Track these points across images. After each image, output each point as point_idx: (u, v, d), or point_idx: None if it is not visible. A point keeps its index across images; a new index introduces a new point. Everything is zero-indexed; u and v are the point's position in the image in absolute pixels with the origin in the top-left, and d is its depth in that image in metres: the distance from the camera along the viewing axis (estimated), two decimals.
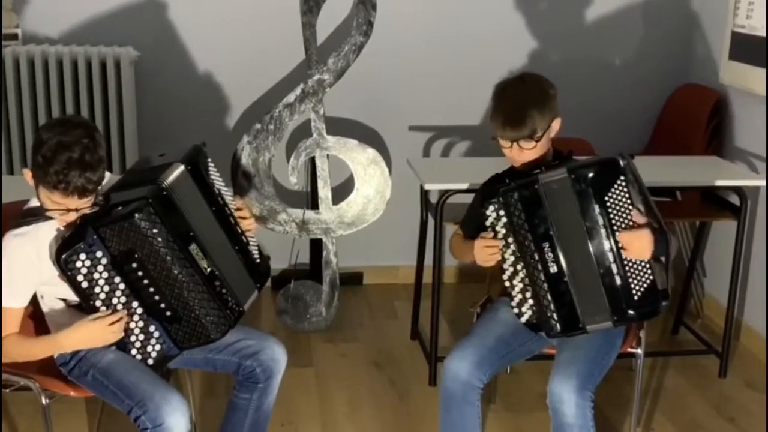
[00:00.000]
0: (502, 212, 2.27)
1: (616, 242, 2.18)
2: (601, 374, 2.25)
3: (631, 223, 2.18)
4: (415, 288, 3.62)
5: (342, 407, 3.08)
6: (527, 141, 2.30)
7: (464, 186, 2.96)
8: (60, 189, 2.00)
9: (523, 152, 2.32)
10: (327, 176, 3.61)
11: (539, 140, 2.30)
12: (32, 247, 2.11)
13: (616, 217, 2.18)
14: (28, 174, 2.08)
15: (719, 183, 3.18)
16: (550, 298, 2.25)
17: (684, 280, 3.74)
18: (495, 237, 2.30)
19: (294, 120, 3.56)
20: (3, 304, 2.10)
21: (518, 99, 2.32)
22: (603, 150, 3.53)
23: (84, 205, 2.05)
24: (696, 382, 3.30)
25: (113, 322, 2.09)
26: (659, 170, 3.21)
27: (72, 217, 2.07)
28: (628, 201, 2.17)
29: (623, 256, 2.19)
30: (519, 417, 3.01)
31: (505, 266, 2.31)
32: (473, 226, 2.45)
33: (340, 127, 3.84)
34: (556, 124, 2.35)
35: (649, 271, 2.20)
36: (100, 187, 2.07)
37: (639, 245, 2.16)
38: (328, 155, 3.60)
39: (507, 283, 2.33)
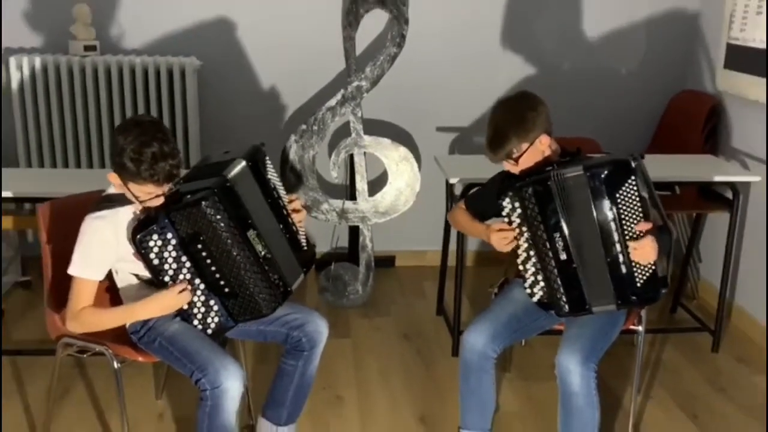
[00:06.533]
0: (517, 204, 2.25)
1: (624, 235, 2.15)
2: (604, 349, 2.24)
3: (638, 219, 2.14)
4: (441, 270, 3.63)
5: (375, 374, 3.10)
6: (508, 161, 2.28)
7: (484, 180, 2.94)
8: (153, 181, 2.02)
9: (512, 165, 2.29)
10: (364, 171, 3.63)
11: (518, 159, 2.26)
12: (110, 229, 2.12)
13: (625, 213, 2.14)
14: (113, 176, 2.09)
15: (715, 179, 3.15)
16: (559, 282, 2.23)
17: (681, 265, 3.72)
18: (510, 225, 2.28)
19: (335, 121, 3.57)
20: (80, 275, 2.12)
21: (498, 125, 2.27)
22: (610, 149, 3.50)
23: (168, 188, 2.08)
24: (691, 357, 3.28)
25: (180, 291, 2.12)
26: (660, 167, 3.17)
27: (161, 200, 2.09)
28: (637, 198, 2.14)
29: (629, 249, 2.16)
30: (531, 385, 3.01)
31: (519, 251, 2.30)
32: (481, 205, 2.46)
33: (375, 127, 3.85)
34: (545, 139, 2.26)
35: (651, 263, 2.18)
36: (181, 169, 2.09)
37: (648, 253, 2.13)
38: (364, 153, 3.62)
39: (521, 267, 2.31)
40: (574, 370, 2.15)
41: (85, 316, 2.14)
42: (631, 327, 2.45)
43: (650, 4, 3.96)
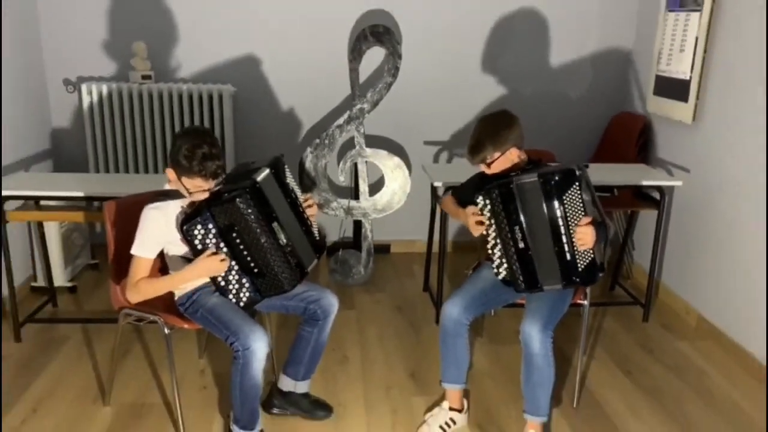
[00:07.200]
0: (487, 202, 2.25)
1: (569, 228, 2.14)
2: (558, 318, 2.24)
3: (581, 216, 2.13)
4: (427, 255, 3.63)
5: (374, 338, 3.11)
6: (483, 164, 2.28)
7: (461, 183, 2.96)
8: (202, 175, 2.03)
9: (486, 168, 2.29)
10: (365, 176, 3.63)
11: (491, 164, 2.26)
12: (163, 217, 2.13)
13: (570, 211, 2.14)
14: (170, 172, 2.10)
15: (645, 183, 3.17)
16: (518, 265, 2.23)
17: (619, 252, 3.74)
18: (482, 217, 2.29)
19: (342, 137, 3.58)
20: (138, 254, 2.13)
21: (478, 135, 2.26)
22: (563, 158, 3.53)
23: (214, 184, 2.09)
24: (626, 326, 3.29)
25: (222, 260, 2.11)
26: (603, 173, 3.19)
27: (206, 194, 2.09)
28: (580, 200, 2.14)
29: (573, 240, 2.16)
30: (499, 348, 3.02)
31: (489, 239, 2.30)
32: (462, 196, 2.46)
33: (375, 141, 3.86)
34: (515, 151, 2.26)
35: (591, 251, 2.18)
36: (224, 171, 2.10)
37: (587, 239, 2.14)
38: (366, 161, 3.62)
39: (489, 251, 2.31)
40: (535, 336, 2.16)
41: (142, 285, 2.15)
42: (579, 301, 2.45)
43: (595, 43, 3.97)
